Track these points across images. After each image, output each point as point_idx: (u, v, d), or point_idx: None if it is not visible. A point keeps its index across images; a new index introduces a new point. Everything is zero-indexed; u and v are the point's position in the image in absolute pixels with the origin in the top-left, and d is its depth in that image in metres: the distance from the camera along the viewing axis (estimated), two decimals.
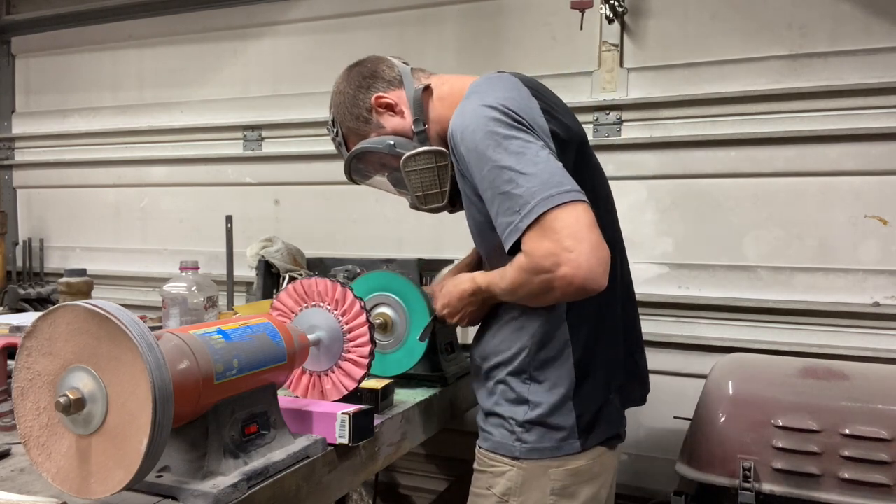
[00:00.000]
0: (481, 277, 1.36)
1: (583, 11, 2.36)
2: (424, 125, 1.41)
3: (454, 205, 1.44)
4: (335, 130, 1.51)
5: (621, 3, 2.43)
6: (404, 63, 1.49)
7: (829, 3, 2.29)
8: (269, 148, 3.16)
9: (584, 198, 1.13)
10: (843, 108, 2.27)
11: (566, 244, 1.08)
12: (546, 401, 1.29)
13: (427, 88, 1.43)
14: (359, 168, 1.50)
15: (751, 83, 2.37)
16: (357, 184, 1.55)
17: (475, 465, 1.39)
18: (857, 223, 2.27)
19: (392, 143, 1.41)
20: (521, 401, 1.31)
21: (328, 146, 3.03)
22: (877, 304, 2.24)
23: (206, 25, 3.26)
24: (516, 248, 1.16)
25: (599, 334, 1.35)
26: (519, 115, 1.20)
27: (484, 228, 1.31)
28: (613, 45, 2.52)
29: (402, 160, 1.39)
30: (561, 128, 1.28)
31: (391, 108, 1.43)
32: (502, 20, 2.73)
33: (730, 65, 2.40)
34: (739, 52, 2.39)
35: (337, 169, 3.00)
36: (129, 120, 3.47)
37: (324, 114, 2.96)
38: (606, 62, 2.54)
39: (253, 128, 3.18)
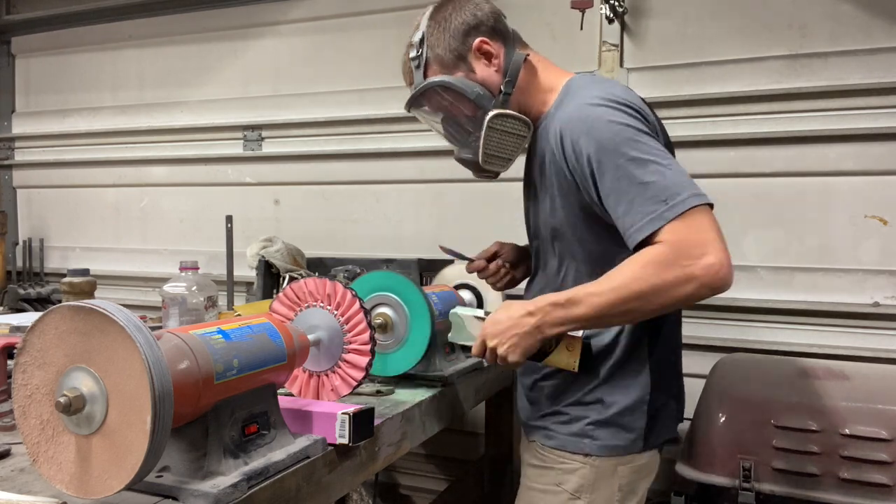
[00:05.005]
0: (547, 297, 1.24)
1: (583, 11, 2.36)
2: (512, 90, 1.38)
3: (496, 175, 1.44)
4: (420, 51, 1.41)
5: (621, 3, 2.43)
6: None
7: (829, 3, 2.29)
8: (269, 148, 3.16)
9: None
10: (843, 108, 2.26)
11: (712, 237, 1.11)
12: (622, 402, 1.33)
13: (526, 59, 1.41)
14: (423, 99, 1.43)
15: (751, 83, 2.37)
16: (408, 112, 1.48)
17: (533, 461, 1.42)
18: (857, 223, 2.27)
19: (481, 92, 1.37)
20: (595, 400, 1.34)
21: (328, 146, 3.05)
22: (877, 304, 2.24)
23: (206, 25, 3.26)
24: (645, 240, 1.14)
25: (669, 336, 1.39)
26: (644, 116, 1.24)
27: (577, 222, 1.30)
28: (613, 45, 2.52)
29: (491, 114, 1.34)
30: (661, 131, 1.33)
31: (490, 57, 1.39)
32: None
33: (730, 65, 2.40)
34: (739, 52, 2.39)
35: (337, 169, 3.05)
36: (129, 120, 3.47)
37: (323, 114, 3.02)
38: (606, 62, 2.54)
39: (253, 128, 3.18)
